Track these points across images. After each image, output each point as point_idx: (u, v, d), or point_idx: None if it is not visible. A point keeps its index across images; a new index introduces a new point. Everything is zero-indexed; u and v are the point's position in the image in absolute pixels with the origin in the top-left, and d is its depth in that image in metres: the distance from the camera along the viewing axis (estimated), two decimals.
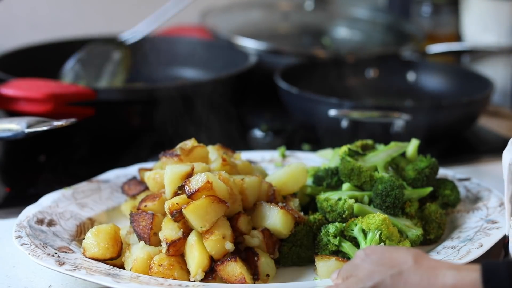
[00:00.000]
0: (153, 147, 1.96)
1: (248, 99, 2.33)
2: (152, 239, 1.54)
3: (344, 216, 1.59)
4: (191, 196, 1.50)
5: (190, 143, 1.69)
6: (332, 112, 2.06)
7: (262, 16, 2.60)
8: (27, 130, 1.81)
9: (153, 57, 2.59)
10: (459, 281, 1.21)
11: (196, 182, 1.51)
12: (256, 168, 1.77)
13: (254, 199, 1.59)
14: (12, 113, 2.06)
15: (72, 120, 1.83)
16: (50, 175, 2.08)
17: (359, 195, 1.64)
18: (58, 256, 1.51)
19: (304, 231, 1.60)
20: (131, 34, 2.47)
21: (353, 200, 1.60)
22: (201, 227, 1.49)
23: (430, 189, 1.69)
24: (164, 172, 1.59)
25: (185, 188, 1.52)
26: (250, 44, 2.53)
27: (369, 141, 1.77)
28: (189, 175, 1.56)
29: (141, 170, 1.78)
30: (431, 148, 1.87)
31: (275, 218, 1.56)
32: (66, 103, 2.04)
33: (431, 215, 1.65)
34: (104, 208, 1.78)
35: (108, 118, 2.13)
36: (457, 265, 1.24)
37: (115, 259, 1.55)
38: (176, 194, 1.56)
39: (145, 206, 1.60)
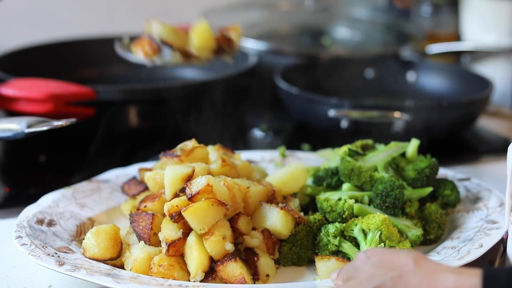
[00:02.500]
0: (153, 147, 1.96)
1: (248, 99, 2.33)
2: (152, 239, 1.54)
3: (344, 216, 1.59)
4: (192, 198, 1.50)
5: (190, 143, 1.69)
6: (332, 112, 2.06)
7: (262, 16, 2.60)
8: (27, 130, 1.81)
9: None
10: (459, 285, 1.20)
11: (197, 184, 1.51)
12: (256, 168, 1.77)
13: (255, 207, 1.59)
14: (12, 113, 2.06)
15: (72, 120, 1.83)
16: (50, 175, 2.08)
17: (359, 195, 1.64)
18: (58, 256, 1.51)
19: (304, 231, 1.60)
20: None
21: (353, 200, 1.60)
22: (200, 230, 1.49)
23: (430, 189, 1.69)
24: (164, 173, 1.59)
25: (186, 190, 1.52)
26: (250, 44, 2.53)
27: (369, 141, 1.77)
28: (190, 177, 1.56)
29: (141, 170, 1.78)
30: (431, 148, 1.86)
31: (275, 219, 1.56)
32: (66, 103, 2.04)
33: (431, 215, 1.64)
34: (104, 208, 1.78)
35: (108, 118, 2.12)
36: (457, 269, 1.24)
37: (115, 259, 1.55)
38: (176, 195, 1.56)
39: (145, 206, 1.60)
